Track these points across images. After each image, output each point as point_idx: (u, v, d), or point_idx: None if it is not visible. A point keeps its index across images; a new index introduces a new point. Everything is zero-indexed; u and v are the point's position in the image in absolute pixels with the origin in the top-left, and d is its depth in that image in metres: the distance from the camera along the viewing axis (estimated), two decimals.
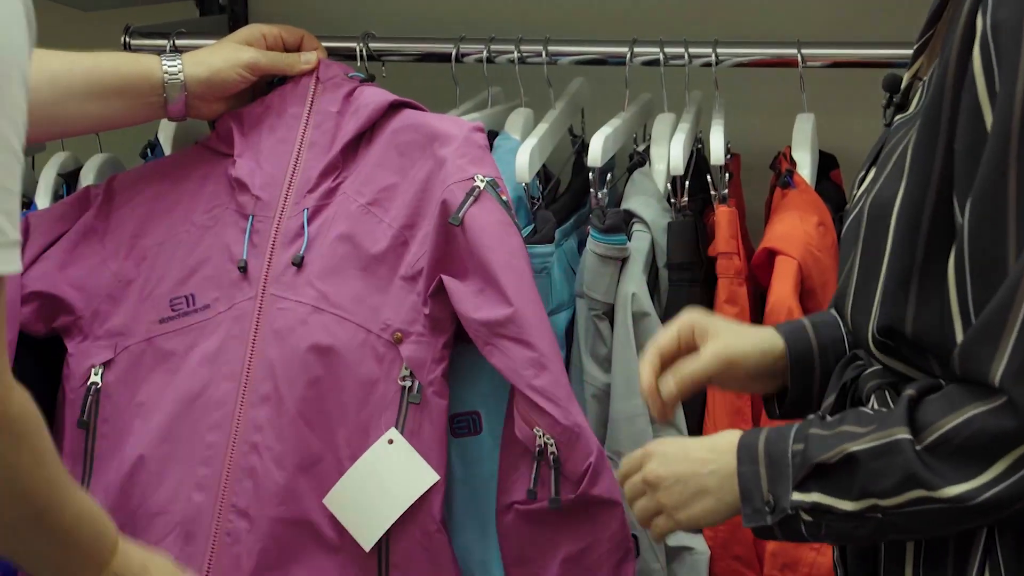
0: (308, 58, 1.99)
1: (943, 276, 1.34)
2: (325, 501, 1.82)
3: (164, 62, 1.93)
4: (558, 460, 1.76)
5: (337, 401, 1.83)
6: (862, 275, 1.42)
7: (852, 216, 1.47)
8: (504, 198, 1.84)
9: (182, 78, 1.93)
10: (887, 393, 1.42)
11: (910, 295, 1.37)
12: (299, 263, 1.87)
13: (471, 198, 1.81)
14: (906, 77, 1.50)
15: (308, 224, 1.89)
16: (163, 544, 1.83)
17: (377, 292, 1.85)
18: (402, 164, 1.89)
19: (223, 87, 1.96)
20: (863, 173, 1.51)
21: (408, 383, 1.83)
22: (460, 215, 1.81)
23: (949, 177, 1.34)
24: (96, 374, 1.89)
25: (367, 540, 1.82)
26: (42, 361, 1.95)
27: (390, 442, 1.82)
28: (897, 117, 1.47)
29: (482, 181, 1.83)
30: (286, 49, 2.01)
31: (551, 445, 1.76)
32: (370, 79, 1.99)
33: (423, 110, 1.96)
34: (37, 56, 1.73)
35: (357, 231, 1.87)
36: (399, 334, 1.84)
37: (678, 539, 1.89)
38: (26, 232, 1.94)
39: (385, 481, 1.82)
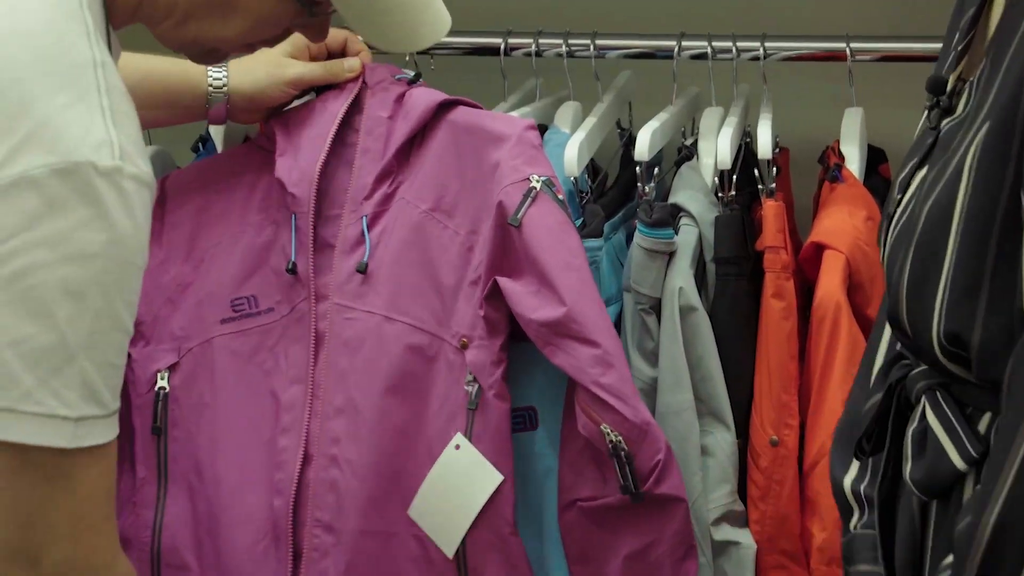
0: (352, 65, 1.98)
1: (1014, 282, 1.32)
2: (410, 512, 1.83)
3: (210, 73, 1.93)
4: (630, 456, 1.76)
5: (413, 411, 1.84)
6: (916, 279, 1.39)
7: (903, 219, 1.45)
8: (560, 197, 1.84)
9: (226, 91, 1.93)
10: (938, 394, 1.41)
11: (979, 302, 1.33)
12: (363, 270, 1.87)
13: (528, 199, 1.81)
14: (951, 79, 1.48)
15: (368, 231, 1.89)
16: (256, 549, 1.85)
17: (445, 299, 1.85)
18: (458, 167, 1.89)
19: (265, 103, 1.97)
20: (905, 174, 1.49)
21: (472, 388, 1.83)
22: (519, 216, 1.80)
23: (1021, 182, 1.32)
24: (162, 379, 1.90)
25: (449, 547, 1.83)
26: None
27: (457, 447, 1.83)
28: (945, 121, 1.45)
29: (538, 181, 1.83)
30: (330, 54, 2.01)
31: (621, 442, 1.76)
32: (417, 78, 1.99)
33: (475, 106, 1.95)
34: None
35: (422, 238, 1.87)
36: (465, 340, 1.84)
37: (724, 533, 1.89)
38: None
39: (457, 487, 1.82)
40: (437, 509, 1.83)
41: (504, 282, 1.82)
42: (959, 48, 1.48)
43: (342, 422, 1.85)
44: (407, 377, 1.84)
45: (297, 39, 1.98)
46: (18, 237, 1.28)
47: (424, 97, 1.93)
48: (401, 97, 1.95)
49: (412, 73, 2.00)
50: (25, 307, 1.29)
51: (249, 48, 1.63)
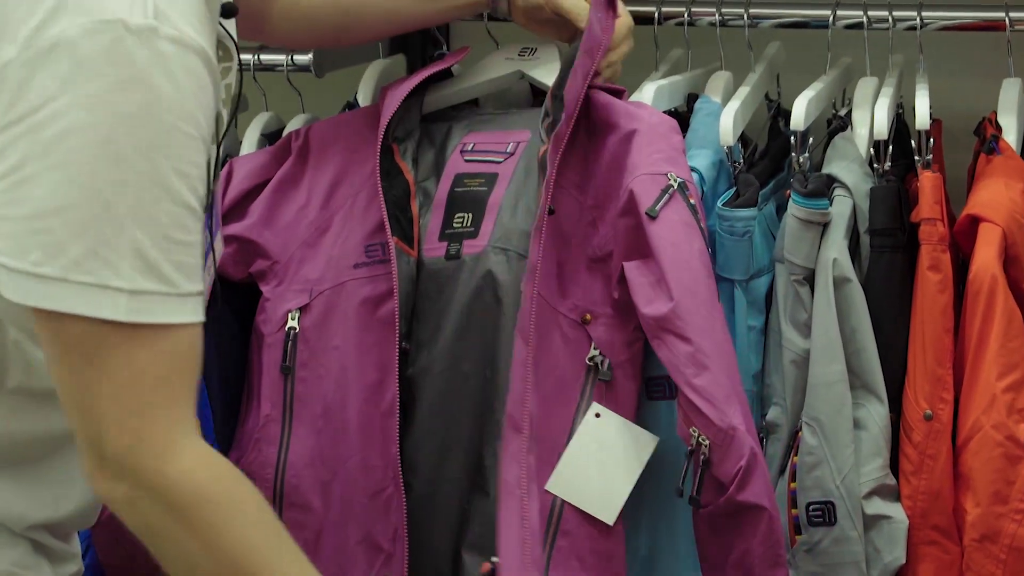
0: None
1: None
2: (549, 487, 1.81)
3: None
4: (708, 462, 1.75)
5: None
6: None
7: None
8: (692, 201, 1.82)
9: None
10: None
11: None
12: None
13: (666, 195, 1.80)
14: None
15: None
16: (378, 500, 1.85)
17: (567, 271, 1.85)
18: (590, 144, 1.88)
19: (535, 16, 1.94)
20: None
21: (597, 361, 1.82)
22: (657, 208, 1.79)
23: None
24: (293, 319, 1.91)
25: (609, 514, 1.81)
26: (234, 307, 1.99)
27: (597, 415, 1.82)
28: None
29: (675, 180, 1.82)
30: None
31: (705, 446, 1.75)
32: None
33: (619, 93, 1.93)
34: None
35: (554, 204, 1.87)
36: (588, 315, 1.83)
37: (876, 507, 1.87)
38: (228, 176, 1.99)
39: (608, 454, 1.81)
40: (587, 479, 1.82)
41: (629, 270, 1.81)
42: None
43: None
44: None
45: None
46: (57, 100, 1.26)
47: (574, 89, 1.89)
48: None
49: None
50: (67, 172, 1.26)
51: None
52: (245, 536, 1.37)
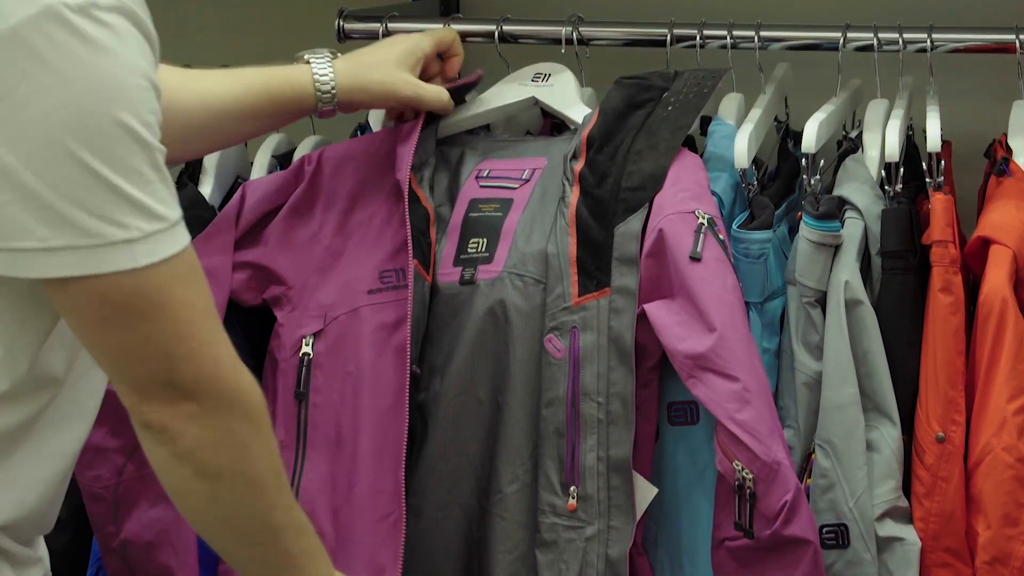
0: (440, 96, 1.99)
1: None
2: None
3: (315, 73, 1.92)
4: (754, 496, 1.75)
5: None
6: None
7: None
8: (721, 237, 1.83)
9: (334, 92, 1.92)
10: None
11: None
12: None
13: (700, 235, 1.80)
14: None
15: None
16: (382, 526, 1.85)
17: None
18: None
19: (369, 105, 2.00)
20: None
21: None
22: (699, 250, 1.80)
23: None
24: (307, 344, 1.92)
25: None
26: (246, 330, 1.99)
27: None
28: None
29: (704, 218, 1.82)
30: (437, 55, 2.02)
31: (749, 480, 1.75)
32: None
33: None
34: (188, 78, 1.82)
35: None
36: None
37: (889, 529, 1.87)
38: (242, 200, 2.00)
39: None
40: None
41: (652, 311, 1.81)
42: None
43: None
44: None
45: (415, 47, 1.98)
46: (22, 84, 1.33)
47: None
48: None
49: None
50: (51, 151, 1.33)
51: None
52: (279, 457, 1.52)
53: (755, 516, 1.75)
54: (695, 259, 1.79)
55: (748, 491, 1.75)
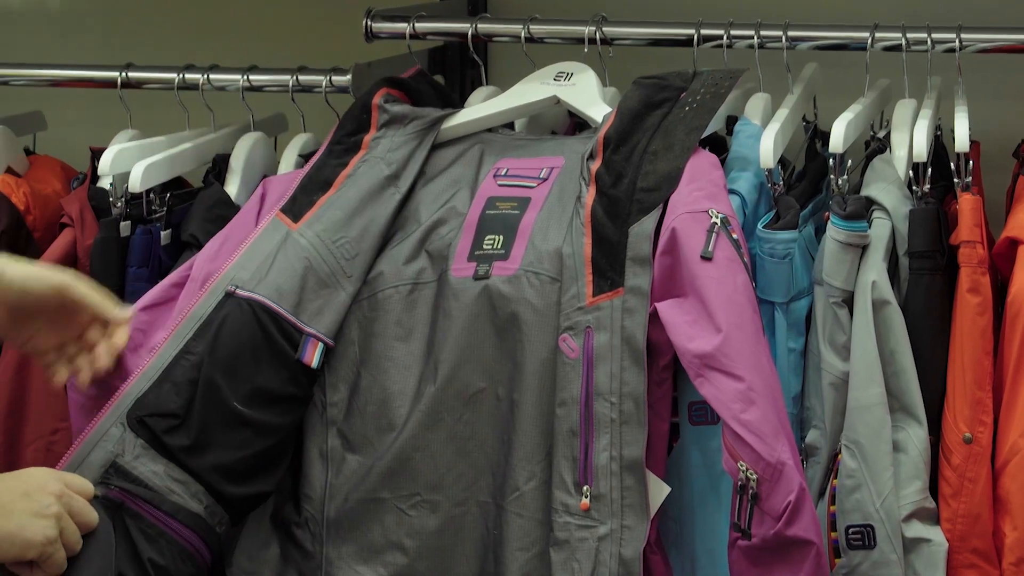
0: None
1: None
2: None
3: None
4: (756, 496, 1.75)
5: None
6: None
7: None
8: (735, 236, 1.82)
9: None
10: None
11: None
12: None
13: (713, 235, 1.80)
14: None
15: None
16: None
17: None
18: None
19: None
20: None
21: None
22: (711, 250, 1.79)
23: None
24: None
25: None
26: None
27: None
28: None
29: (717, 217, 1.82)
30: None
31: (753, 480, 1.75)
32: None
33: None
34: None
35: None
36: None
37: (915, 530, 1.87)
38: (263, 197, 2.01)
39: None
40: None
41: (664, 310, 1.81)
42: None
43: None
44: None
45: None
46: None
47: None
48: None
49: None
50: None
51: None
52: None
53: (759, 516, 1.75)
54: (706, 258, 1.79)
55: (751, 491, 1.74)
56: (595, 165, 1.89)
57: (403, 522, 1.86)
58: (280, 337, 1.86)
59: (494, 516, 1.85)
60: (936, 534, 1.88)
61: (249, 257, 1.90)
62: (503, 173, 1.98)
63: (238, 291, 1.86)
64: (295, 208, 1.94)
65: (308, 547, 1.89)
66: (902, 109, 2.03)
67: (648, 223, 1.84)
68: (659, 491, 1.81)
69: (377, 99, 2.04)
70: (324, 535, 1.89)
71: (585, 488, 1.80)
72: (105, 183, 2.13)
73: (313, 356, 1.87)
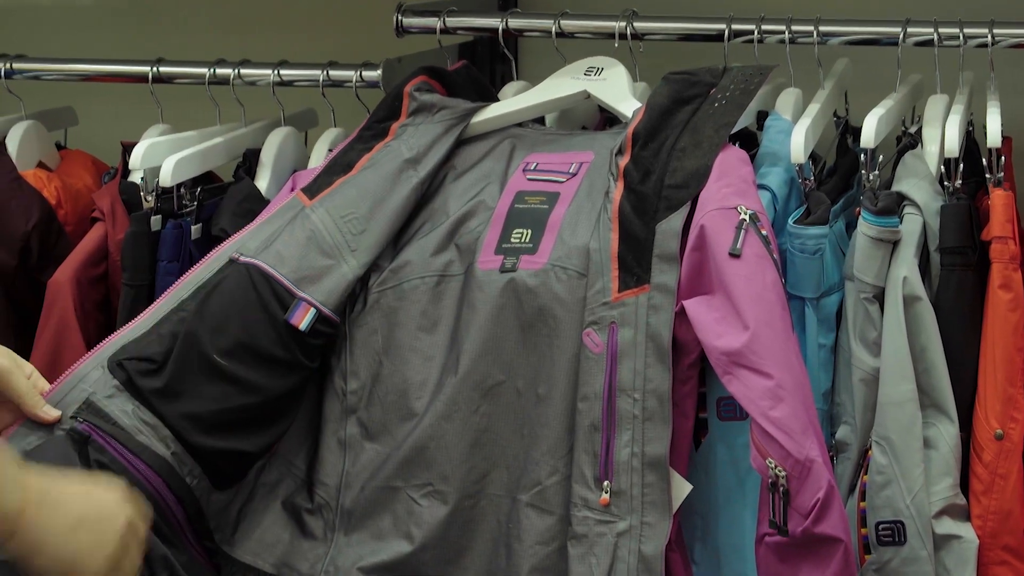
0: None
1: None
2: None
3: None
4: (787, 493, 1.74)
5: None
6: None
7: None
8: (764, 232, 1.81)
9: None
10: None
11: None
12: None
13: (741, 231, 1.79)
14: None
15: None
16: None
17: None
18: None
19: None
20: None
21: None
22: (739, 246, 1.78)
23: None
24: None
25: None
26: None
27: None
28: None
29: (746, 213, 1.81)
30: None
31: (782, 477, 1.74)
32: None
33: None
34: None
35: None
36: None
37: (946, 527, 1.86)
38: (292, 191, 2.01)
39: None
40: None
41: (691, 307, 1.80)
42: None
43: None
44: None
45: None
46: None
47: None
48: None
49: None
50: None
51: None
52: None
53: (789, 513, 1.74)
54: (735, 255, 1.78)
55: (782, 488, 1.74)
56: (623, 161, 1.89)
57: (413, 511, 1.86)
58: (272, 298, 1.86)
59: (508, 510, 1.85)
60: (967, 531, 1.87)
61: (261, 229, 1.92)
62: (533, 168, 1.98)
63: (241, 257, 1.88)
64: (314, 187, 1.96)
65: (319, 534, 1.90)
66: (934, 104, 2.02)
67: (676, 220, 1.84)
68: (681, 489, 1.81)
69: (409, 87, 2.04)
70: (337, 522, 1.90)
71: (605, 483, 1.80)
72: (136, 177, 2.14)
73: (302, 320, 1.87)
